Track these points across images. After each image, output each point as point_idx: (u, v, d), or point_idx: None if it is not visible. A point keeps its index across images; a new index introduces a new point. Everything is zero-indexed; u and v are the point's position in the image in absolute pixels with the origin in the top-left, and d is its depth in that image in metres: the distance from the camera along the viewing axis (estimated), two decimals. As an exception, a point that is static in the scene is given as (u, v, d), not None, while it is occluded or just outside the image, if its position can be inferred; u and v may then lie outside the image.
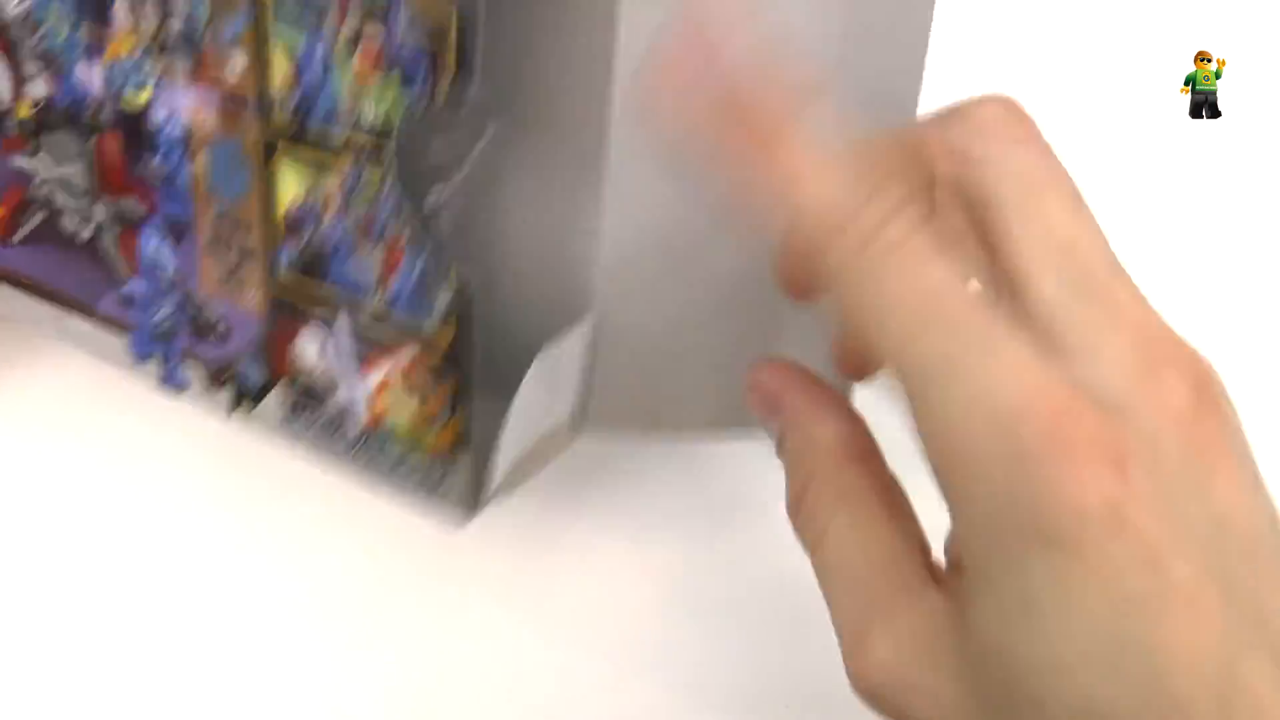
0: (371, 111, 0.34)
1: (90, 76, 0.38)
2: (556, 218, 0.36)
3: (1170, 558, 0.24)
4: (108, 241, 0.40)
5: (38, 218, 0.41)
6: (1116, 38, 0.50)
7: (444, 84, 0.32)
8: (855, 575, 0.29)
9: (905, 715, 0.28)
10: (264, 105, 0.35)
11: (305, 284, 0.37)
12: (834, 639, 0.34)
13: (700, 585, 0.42)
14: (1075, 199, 0.28)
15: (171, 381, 0.41)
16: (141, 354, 0.41)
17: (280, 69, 0.35)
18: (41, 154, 0.40)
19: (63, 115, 0.39)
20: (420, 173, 0.35)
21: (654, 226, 0.36)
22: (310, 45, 0.34)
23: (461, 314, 0.35)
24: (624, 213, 0.35)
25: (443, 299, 0.35)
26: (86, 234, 0.40)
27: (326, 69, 0.34)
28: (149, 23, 0.36)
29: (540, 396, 0.37)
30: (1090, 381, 0.25)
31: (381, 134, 0.34)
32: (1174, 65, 0.53)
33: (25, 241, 0.42)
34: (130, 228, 0.39)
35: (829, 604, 0.30)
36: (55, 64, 0.38)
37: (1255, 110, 0.54)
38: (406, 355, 0.36)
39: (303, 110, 0.35)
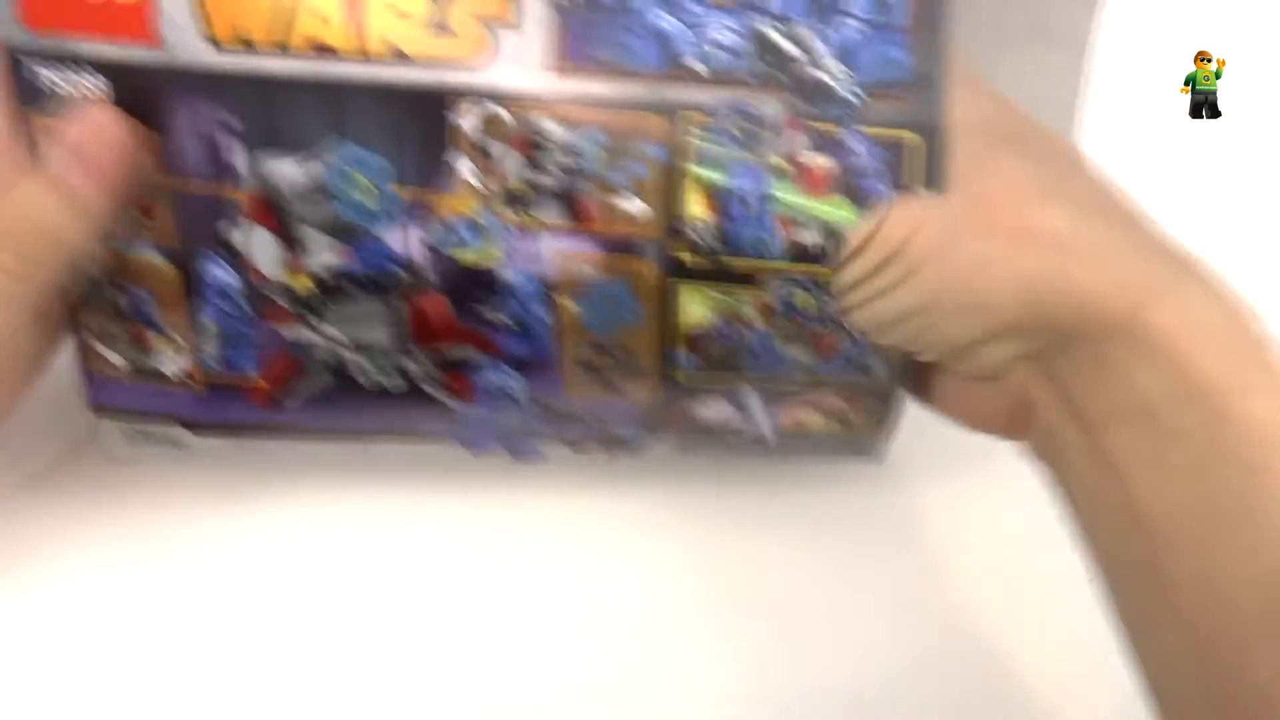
0: (810, 238, 0.34)
1: (404, 240, 0.34)
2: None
3: None
4: (428, 386, 0.37)
5: (322, 381, 0.37)
6: (1116, 38, 0.50)
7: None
8: None
9: None
10: (667, 245, 0.34)
11: (713, 376, 0.37)
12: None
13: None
14: None
15: (524, 456, 0.39)
16: (482, 449, 0.39)
17: (695, 205, 0.33)
18: (325, 325, 0.36)
19: (358, 283, 0.35)
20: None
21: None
22: (739, 180, 0.33)
23: (895, 371, 0.37)
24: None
25: (877, 365, 0.37)
26: (392, 385, 0.37)
27: (760, 201, 0.33)
28: (503, 180, 0.33)
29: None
30: None
31: (815, 258, 0.34)
32: (1174, 65, 0.53)
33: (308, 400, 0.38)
34: (457, 369, 0.37)
35: None
36: (350, 233, 0.34)
37: (1255, 110, 0.55)
38: (825, 401, 0.38)
39: (723, 245, 0.34)
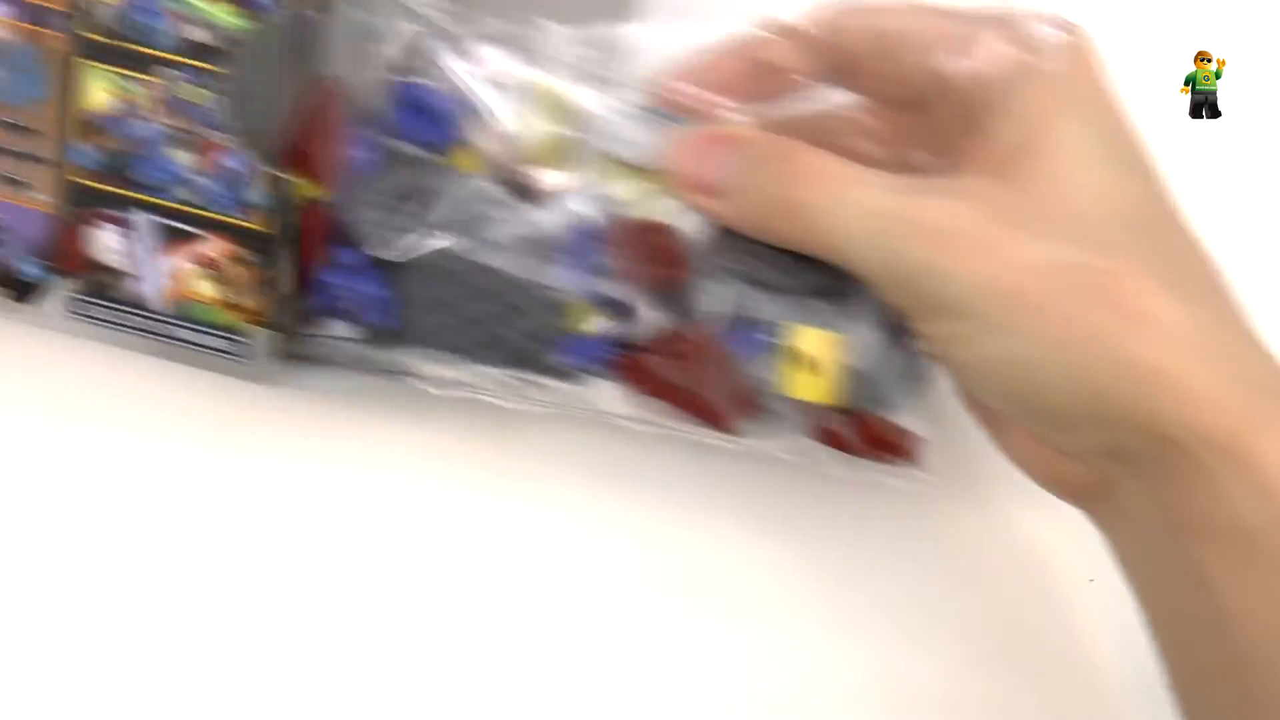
0: (201, 35, 0.37)
1: None
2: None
3: None
4: None
5: None
6: (1116, 38, 0.47)
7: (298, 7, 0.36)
8: None
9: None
10: (74, 16, 0.37)
11: (107, 182, 0.38)
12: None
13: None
14: None
15: None
16: None
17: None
18: None
19: None
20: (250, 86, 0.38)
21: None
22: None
23: (280, 209, 0.38)
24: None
25: (257, 195, 0.38)
26: None
27: None
28: None
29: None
30: None
31: (205, 55, 0.37)
32: (1174, 65, 0.52)
33: None
34: None
35: None
36: None
37: (1255, 110, 0.53)
38: (212, 244, 0.38)
39: (121, 27, 0.37)
